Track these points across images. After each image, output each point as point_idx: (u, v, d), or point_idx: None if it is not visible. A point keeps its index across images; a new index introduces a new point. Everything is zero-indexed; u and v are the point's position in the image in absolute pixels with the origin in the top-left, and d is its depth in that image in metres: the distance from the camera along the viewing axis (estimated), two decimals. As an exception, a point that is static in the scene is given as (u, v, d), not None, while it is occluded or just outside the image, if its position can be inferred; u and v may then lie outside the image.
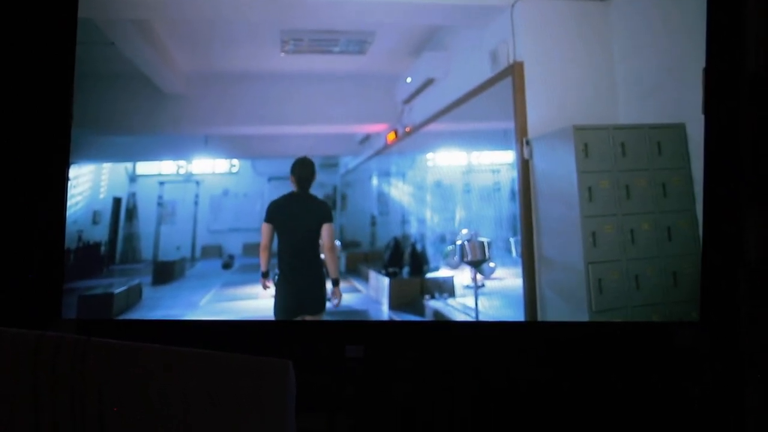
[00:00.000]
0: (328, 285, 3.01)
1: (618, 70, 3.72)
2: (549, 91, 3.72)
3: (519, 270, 3.73)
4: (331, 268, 2.81)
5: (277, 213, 3.05)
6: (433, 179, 5.70)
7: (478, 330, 3.60)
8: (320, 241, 2.81)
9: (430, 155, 5.65)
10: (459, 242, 4.01)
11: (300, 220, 2.95)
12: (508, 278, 4.59)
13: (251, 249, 5.30)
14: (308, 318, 2.86)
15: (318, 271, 2.88)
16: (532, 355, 3.18)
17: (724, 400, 2.98)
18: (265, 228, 3.04)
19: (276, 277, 2.97)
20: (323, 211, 2.89)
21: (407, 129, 5.17)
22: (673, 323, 3.24)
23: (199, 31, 4.47)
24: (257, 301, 4.35)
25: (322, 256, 2.85)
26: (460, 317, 4.05)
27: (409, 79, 4.86)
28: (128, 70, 4.62)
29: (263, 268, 3.09)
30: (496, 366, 3.17)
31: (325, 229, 2.83)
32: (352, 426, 3.16)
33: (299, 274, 2.90)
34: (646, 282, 3.33)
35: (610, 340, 3.18)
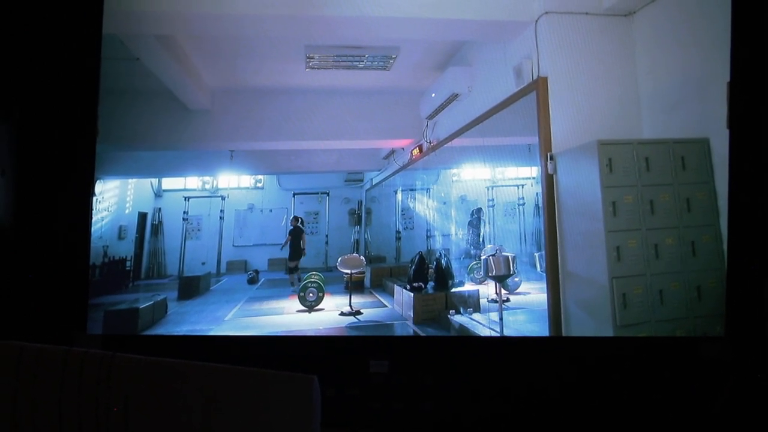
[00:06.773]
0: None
1: (642, 85, 3.83)
2: (573, 106, 3.83)
3: (543, 285, 3.78)
4: (303, 246, 6.09)
5: (291, 231, 6.09)
6: (457, 194, 5.79)
7: (503, 345, 3.63)
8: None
9: (454, 170, 5.74)
10: (484, 257, 4.08)
11: (296, 233, 6.08)
12: (532, 293, 4.67)
13: (277, 264, 5.47)
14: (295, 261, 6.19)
15: (300, 248, 6.04)
16: (557, 371, 3.20)
17: (750, 416, 2.99)
18: (289, 235, 6.06)
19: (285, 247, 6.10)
20: (301, 231, 6.10)
21: (432, 144, 5.26)
22: (698, 338, 3.27)
23: (224, 47, 4.64)
24: (282, 317, 4.49)
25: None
26: (485, 332, 4.18)
27: (433, 95, 4.95)
28: (153, 85, 4.83)
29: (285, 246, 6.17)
30: (521, 381, 3.19)
31: (303, 237, 6.07)
32: (376, 440, 3.21)
33: (293, 249, 6.01)
34: (670, 297, 3.40)
35: (636, 355, 3.19)
